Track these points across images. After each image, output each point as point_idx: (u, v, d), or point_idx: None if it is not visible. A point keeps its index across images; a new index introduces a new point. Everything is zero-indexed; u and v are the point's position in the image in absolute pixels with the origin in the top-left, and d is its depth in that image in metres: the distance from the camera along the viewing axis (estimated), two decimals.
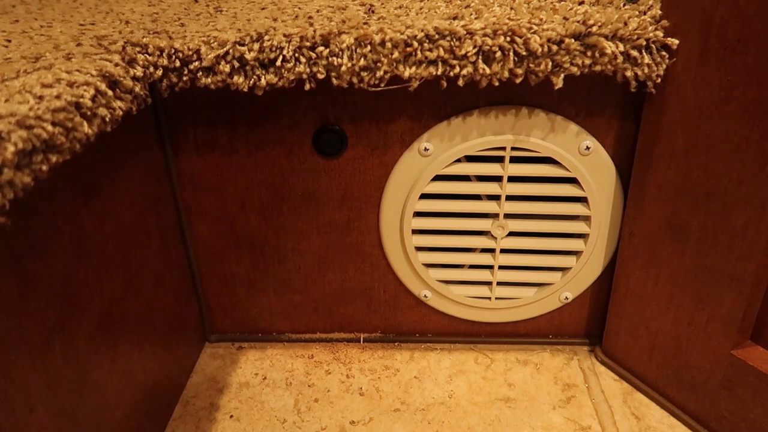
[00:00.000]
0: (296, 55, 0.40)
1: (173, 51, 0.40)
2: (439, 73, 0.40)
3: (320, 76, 0.41)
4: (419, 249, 0.51)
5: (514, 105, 0.44)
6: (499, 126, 0.45)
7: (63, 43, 0.42)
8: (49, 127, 0.28)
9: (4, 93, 0.29)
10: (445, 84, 0.41)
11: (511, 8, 0.42)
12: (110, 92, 0.35)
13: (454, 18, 0.40)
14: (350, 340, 0.57)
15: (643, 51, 0.39)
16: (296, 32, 0.40)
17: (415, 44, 0.39)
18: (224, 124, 0.47)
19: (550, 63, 0.39)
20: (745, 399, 0.42)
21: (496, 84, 0.40)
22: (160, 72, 0.41)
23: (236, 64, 0.40)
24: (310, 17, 0.44)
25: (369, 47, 0.39)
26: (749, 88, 0.36)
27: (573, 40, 0.38)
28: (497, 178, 0.47)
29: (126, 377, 0.41)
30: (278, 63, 0.40)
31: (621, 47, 0.39)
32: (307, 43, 0.40)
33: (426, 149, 0.46)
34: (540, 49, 0.38)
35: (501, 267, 0.51)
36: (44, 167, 0.28)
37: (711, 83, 0.38)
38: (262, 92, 0.42)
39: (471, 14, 0.41)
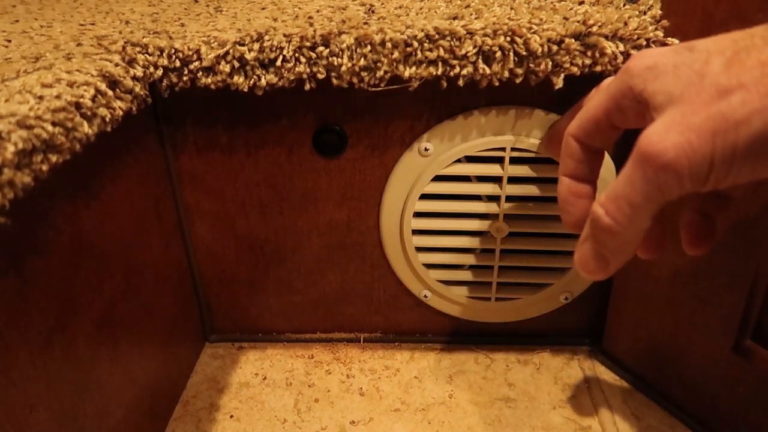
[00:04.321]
0: (296, 55, 0.40)
1: (173, 51, 0.40)
2: (439, 73, 0.40)
3: (320, 76, 0.41)
4: (419, 249, 0.51)
5: (514, 105, 0.44)
6: (499, 126, 0.45)
7: (63, 43, 0.42)
8: (49, 127, 0.28)
9: (4, 93, 0.29)
10: (445, 84, 0.41)
11: (511, 8, 0.42)
12: (110, 92, 0.35)
13: (454, 18, 0.40)
14: (350, 340, 0.57)
15: None
16: (296, 32, 0.40)
17: (415, 44, 0.39)
18: (224, 124, 0.47)
19: (550, 63, 0.39)
20: (745, 399, 0.42)
21: (496, 84, 0.40)
22: (160, 72, 0.41)
23: (236, 64, 0.40)
24: (310, 17, 0.44)
25: (369, 47, 0.39)
26: None
27: (573, 40, 0.38)
28: (497, 179, 0.47)
29: (126, 377, 0.41)
30: (278, 63, 0.40)
31: (621, 47, 0.39)
32: (307, 43, 0.40)
33: (426, 149, 0.46)
34: (540, 49, 0.38)
35: (501, 267, 0.51)
36: (44, 167, 0.28)
37: None
38: (262, 92, 0.42)
39: (471, 14, 0.41)
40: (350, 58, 0.40)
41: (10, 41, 0.44)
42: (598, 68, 0.40)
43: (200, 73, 0.41)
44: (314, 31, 0.40)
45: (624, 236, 0.26)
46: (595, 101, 0.29)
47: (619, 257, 0.28)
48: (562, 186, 0.34)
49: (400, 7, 0.46)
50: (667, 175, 0.23)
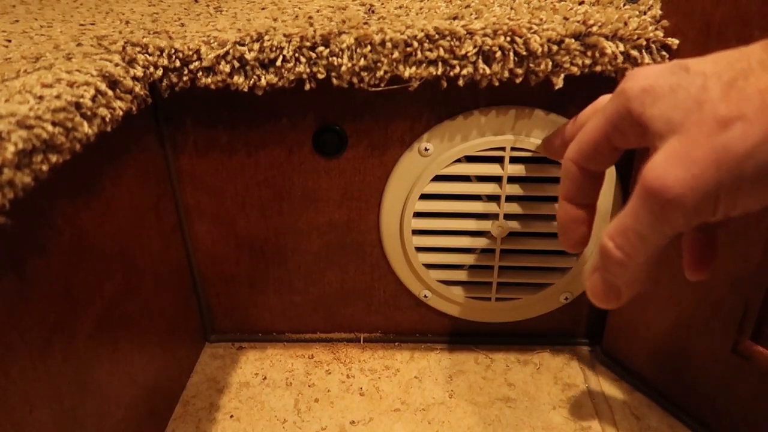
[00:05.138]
0: (296, 55, 0.40)
1: (173, 51, 0.40)
2: (439, 73, 0.40)
3: (320, 76, 0.41)
4: (419, 249, 0.51)
5: (514, 105, 0.44)
6: (499, 126, 0.45)
7: (63, 43, 0.42)
8: (49, 127, 0.28)
9: (4, 93, 0.29)
10: (445, 84, 0.41)
11: (511, 8, 0.42)
12: (110, 92, 0.35)
13: (454, 18, 0.40)
14: (350, 340, 0.57)
15: (643, 51, 0.39)
16: (296, 32, 0.40)
17: (415, 44, 0.39)
18: (224, 124, 0.47)
19: (550, 63, 0.39)
20: (745, 399, 0.42)
21: (496, 84, 0.40)
22: (160, 72, 0.41)
23: (236, 64, 0.40)
24: (310, 17, 0.44)
25: (369, 47, 0.39)
26: None
27: (573, 40, 0.38)
28: (497, 179, 0.47)
29: (126, 377, 0.41)
30: (278, 63, 0.40)
31: (621, 47, 0.39)
32: (307, 43, 0.40)
33: (426, 149, 0.46)
34: (540, 49, 0.38)
35: (501, 267, 0.51)
36: (44, 167, 0.28)
37: None
38: (262, 92, 0.42)
39: (471, 14, 0.41)
40: (350, 58, 0.40)
41: (10, 41, 0.44)
42: (598, 68, 0.40)
43: (200, 73, 0.41)
44: (314, 31, 0.40)
45: (635, 268, 0.26)
46: (593, 125, 0.29)
47: (631, 287, 0.27)
48: (562, 211, 0.35)
49: (400, 7, 0.46)
50: (673, 210, 0.23)
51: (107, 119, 0.34)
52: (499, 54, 0.39)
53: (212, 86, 0.41)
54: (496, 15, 0.40)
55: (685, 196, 0.22)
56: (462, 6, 0.45)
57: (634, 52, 0.39)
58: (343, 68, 0.40)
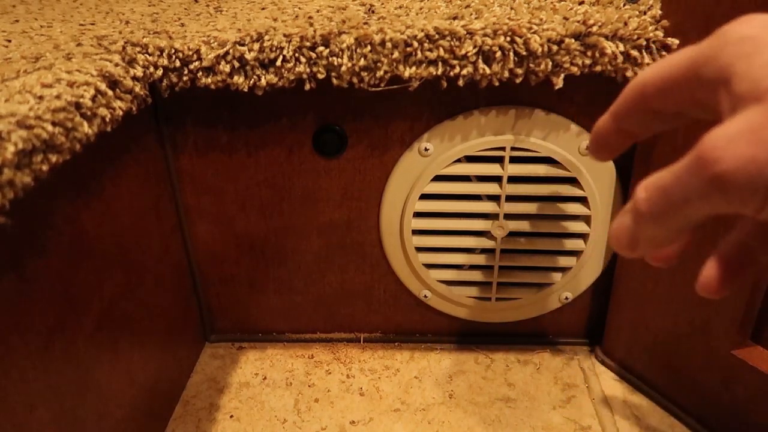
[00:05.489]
0: (296, 55, 0.40)
1: (173, 51, 0.40)
2: (439, 73, 0.40)
3: (320, 76, 0.41)
4: (419, 249, 0.51)
5: (514, 105, 0.44)
6: (499, 126, 0.45)
7: (63, 43, 0.42)
8: (49, 127, 0.28)
9: (4, 93, 0.29)
10: (445, 84, 0.41)
11: (511, 8, 0.42)
12: (110, 92, 0.35)
13: (454, 18, 0.40)
14: (350, 340, 0.57)
15: (643, 51, 0.39)
16: (296, 32, 0.40)
17: (415, 44, 0.39)
18: (224, 124, 0.47)
19: (550, 63, 0.39)
20: (745, 399, 0.42)
21: (496, 84, 0.40)
22: (160, 72, 0.41)
23: (236, 64, 0.40)
24: (310, 17, 0.44)
25: (369, 47, 0.39)
26: None
27: (573, 40, 0.38)
28: (497, 178, 0.47)
29: (126, 377, 0.41)
30: (278, 63, 0.40)
31: (621, 47, 0.39)
32: (307, 43, 0.40)
33: (426, 149, 0.46)
34: (540, 49, 0.38)
35: (501, 267, 0.51)
36: (44, 167, 0.28)
37: None
38: (262, 92, 0.42)
39: (471, 14, 0.41)
40: (350, 58, 0.40)
41: (10, 41, 0.44)
42: (598, 68, 0.40)
43: (200, 73, 0.41)
44: (314, 31, 0.40)
45: (659, 229, 0.23)
46: (679, 56, 0.25)
47: (649, 245, 0.24)
48: (603, 122, 0.29)
49: (400, 7, 0.46)
50: (715, 187, 0.20)
51: (107, 119, 0.34)
52: (499, 54, 0.39)
53: (212, 86, 0.41)
54: (496, 15, 0.40)
55: (734, 177, 0.19)
56: (462, 6, 0.45)
57: (634, 52, 0.39)
58: (343, 68, 0.40)
